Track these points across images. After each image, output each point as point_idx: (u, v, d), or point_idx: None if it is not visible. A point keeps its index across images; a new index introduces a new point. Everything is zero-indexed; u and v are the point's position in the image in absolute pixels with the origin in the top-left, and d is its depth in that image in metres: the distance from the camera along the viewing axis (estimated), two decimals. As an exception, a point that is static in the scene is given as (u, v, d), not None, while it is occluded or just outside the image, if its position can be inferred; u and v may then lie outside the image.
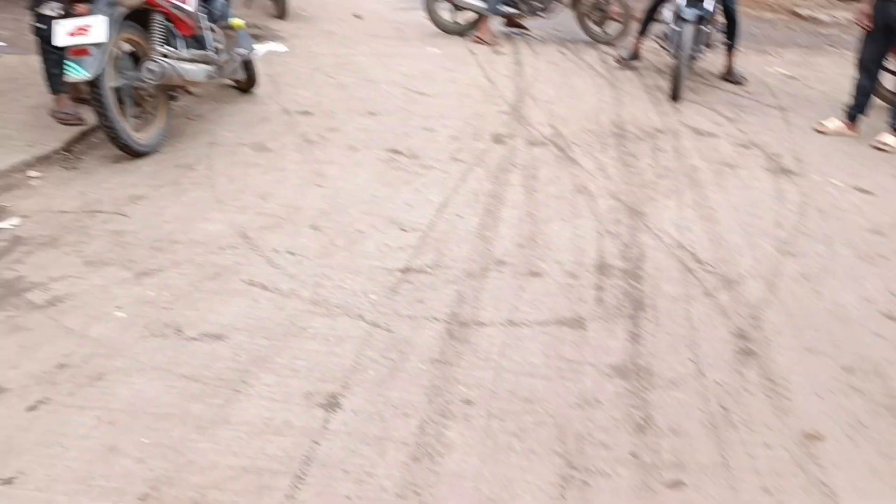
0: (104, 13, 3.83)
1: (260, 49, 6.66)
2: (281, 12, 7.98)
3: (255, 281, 3.14)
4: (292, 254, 3.38)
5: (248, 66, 5.33)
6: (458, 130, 5.11)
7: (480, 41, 7.47)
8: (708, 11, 6.04)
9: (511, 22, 8.06)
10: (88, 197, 3.77)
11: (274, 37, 7.27)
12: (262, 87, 5.61)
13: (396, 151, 4.67)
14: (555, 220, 3.89)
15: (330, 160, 4.47)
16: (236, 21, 5.02)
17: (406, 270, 3.31)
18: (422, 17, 8.76)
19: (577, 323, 3.01)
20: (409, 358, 2.71)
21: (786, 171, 4.70)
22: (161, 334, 2.74)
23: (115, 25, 3.89)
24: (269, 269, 3.24)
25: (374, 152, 4.64)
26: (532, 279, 3.32)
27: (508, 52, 7.34)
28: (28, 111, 4.62)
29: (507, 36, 7.89)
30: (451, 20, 7.89)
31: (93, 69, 3.78)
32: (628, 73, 6.95)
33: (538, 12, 7.63)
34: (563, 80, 6.47)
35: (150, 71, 4.10)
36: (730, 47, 6.66)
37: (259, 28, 7.54)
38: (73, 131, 4.41)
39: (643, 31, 6.90)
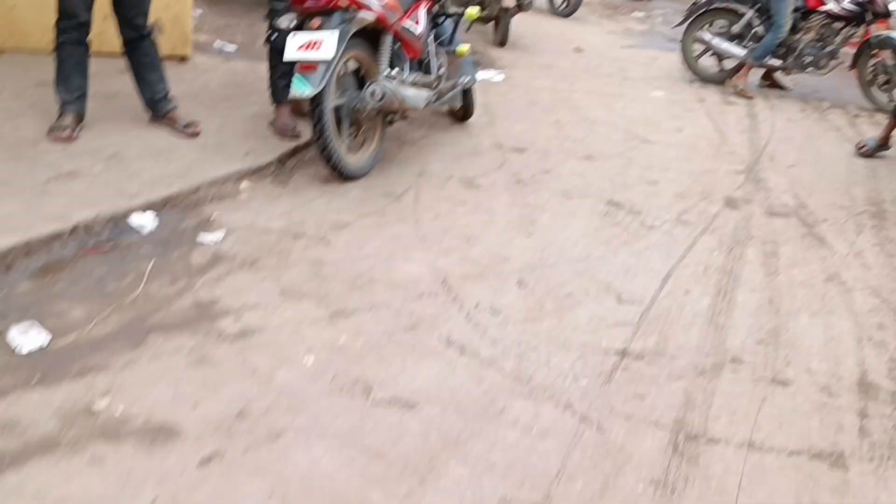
0: (336, 29, 3.68)
1: (477, 76, 6.43)
2: (501, 40, 7.74)
3: (453, 340, 2.79)
4: (495, 312, 3.00)
5: (466, 94, 5.07)
6: (684, 187, 4.55)
7: (737, 91, 6.84)
8: None
9: (769, 78, 7.28)
10: (293, 217, 3.61)
11: (492, 64, 7.03)
12: (476, 116, 5.34)
13: (615, 204, 4.20)
14: (802, 314, 3.25)
15: (541, 206, 4.07)
16: (463, 47, 4.77)
17: (623, 354, 2.82)
18: (647, 55, 8.23)
19: (837, 460, 2.39)
20: (624, 472, 2.23)
21: None
22: (349, 392, 2.43)
23: (345, 43, 3.73)
24: (469, 329, 2.87)
25: (589, 202, 4.20)
26: (777, 389, 2.72)
27: (742, 103, 6.63)
28: (248, 119, 4.60)
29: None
30: (708, 66, 7.31)
31: (317, 85, 3.62)
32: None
33: (810, 68, 6.84)
34: (805, 142, 5.70)
35: (373, 94, 3.90)
36: None
37: (477, 53, 7.34)
38: (287, 145, 4.31)
39: None
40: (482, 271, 3.33)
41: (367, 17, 3.77)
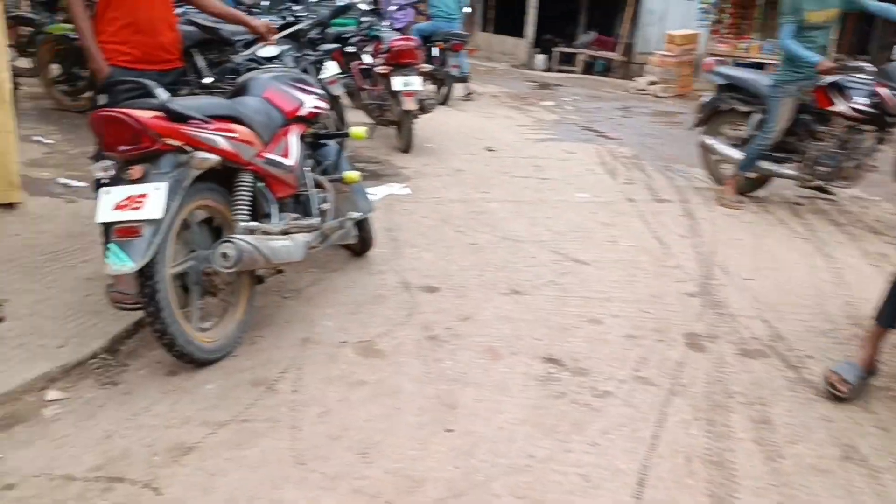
0: (166, 178, 2.68)
1: (379, 192, 5.52)
2: (405, 145, 6.89)
3: None
4: None
5: (362, 225, 4.11)
6: (633, 323, 3.65)
7: (721, 203, 5.77)
8: None
9: (809, 184, 5.78)
10: (114, 447, 2.50)
11: (396, 175, 6.14)
12: (379, 244, 4.38)
13: (554, 361, 3.25)
14: (831, 527, 2.32)
15: (462, 377, 3.08)
16: (351, 174, 3.83)
17: None
18: (563, 149, 7.53)
19: None
20: None
21: None
22: None
23: (181, 193, 2.73)
24: None
25: (522, 362, 3.23)
26: None
27: (675, 199, 5.90)
28: (80, 286, 3.52)
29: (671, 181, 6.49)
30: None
31: (140, 257, 2.59)
32: (832, 228, 5.36)
33: (834, 180, 5.52)
34: (754, 242, 4.94)
35: (224, 256, 2.88)
36: None
37: (379, 163, 6.46)
38: (126, 320, 3.24)
39: None
40: (385, 511, 2.28)
41: (207, 158, 2.79)
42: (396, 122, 6.93)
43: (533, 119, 9.38)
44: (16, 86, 5.22)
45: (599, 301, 3.90)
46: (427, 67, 6.96)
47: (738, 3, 13.33)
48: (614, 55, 15.96)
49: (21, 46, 7.26)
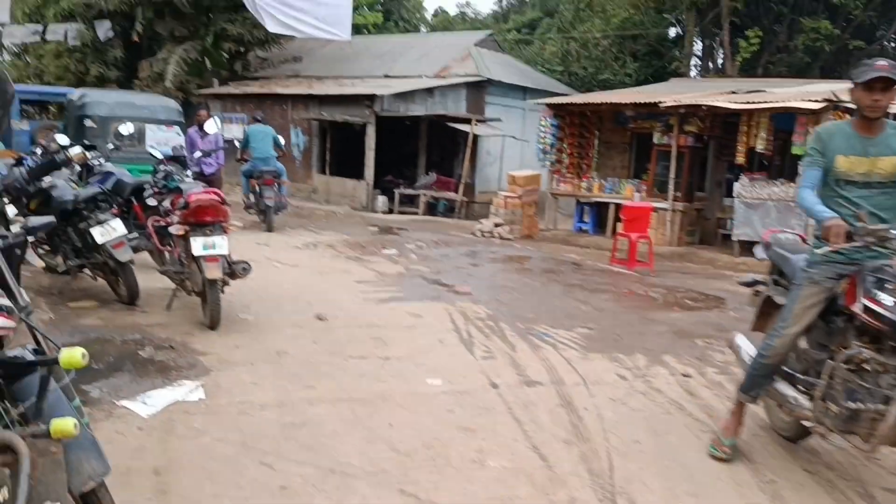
0: None
1: (158, 400, 3.96)
2: (211, 321, 5.33)
3: None
4: None
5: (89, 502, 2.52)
6: None
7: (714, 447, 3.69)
8: None
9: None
10: None
11: (190, 367, 4.58)
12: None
13: None
14: None
15: None
16: (62, 425, 2.28)
17: None
18: (409, 311, 6.28)
19: None
20: None
21: None
22: None
23: None
24: None
25: None
26: None
27: (546, 380, 4.73)
28: None
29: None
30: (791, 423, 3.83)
31: None
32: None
33: (847, 432, 3.18)
34: (656, 445, 3.78)
35: None
36: None
37: (172, 349, 4.88)
38: None
39: None
40: None
41: None
42: (199, 293, 5.44)
43: (374, 272, 8.15)
44: None
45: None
46: (237, 224, 5.58)
47: (573, 143, 13.15)
48: (455, 195, 15.40)
49: None
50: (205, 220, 5.24)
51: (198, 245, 5.16)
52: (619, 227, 11.63)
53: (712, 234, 12.34)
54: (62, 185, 6.06)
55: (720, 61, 20.26)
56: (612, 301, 7.51)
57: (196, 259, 5.22)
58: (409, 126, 16.67)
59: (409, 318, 6.13)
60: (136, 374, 4.40)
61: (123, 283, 5.81)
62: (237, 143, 11.48)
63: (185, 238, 5.32)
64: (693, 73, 21.09)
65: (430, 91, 16.60)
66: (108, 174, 7.30)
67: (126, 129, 7.58)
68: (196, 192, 5.38)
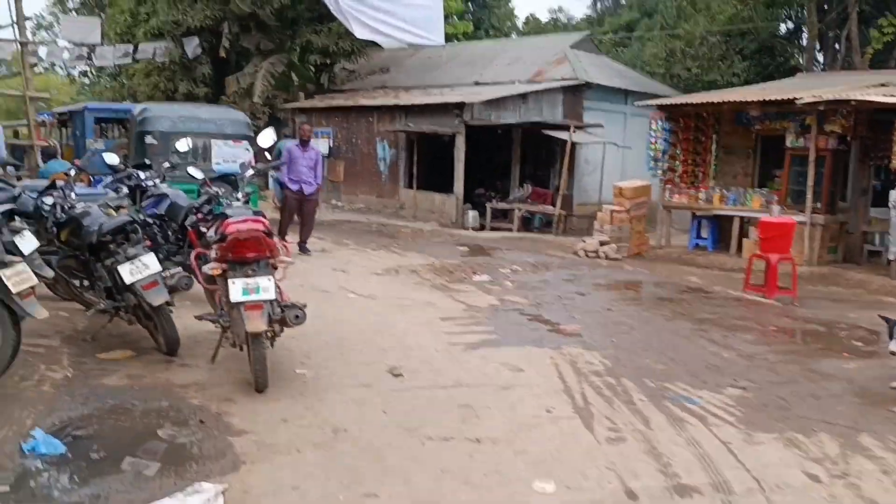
0: None
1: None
2: (257, 382, 4.13)
3: None
4: None
5: None
6: None
7: None
8: None
9: None
10: None
11: (214, 459, 3.38)
12: None
13: None
14: None
15: None
16: None
17: None
18: (505, 362, 4.93)
19: None
20: None
21: None
22: None
23: None
24: None
25: None
26: None
27: (702, 481, 3.27)
28: None
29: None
30: None
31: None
32: None
33: None
34: None
35: None
36: None
37: (203, 424, 3.71)
38: None
39: None
40: None
41: None
42: (241, 347, 4.28)
43: (462, 305, 6.83)
44: None
45: None
46: (287, 259, 4.38)
47: (688, 149, 11.47)
48: (553, 209, 13.93)
49: None
50: (245, 256, 4.07)
51: (236, 290, 3.99)
52: (746, 244, 9.96)
53: (857, 250, 10.42)
54: (95, 212, 5.05)
55: (843, 55, 18.03)
56: (759, 343, 5.93)
57: (235, 306, 4.05)
58: (501, 135, 15.34)
59: (505, 373, 4.79)
60: (140, 471, 3.24)
61: (159, 330, 4.73)
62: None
63: (224, 278, 4.17)
64: (814, 69, 18.87)
65: (523, 97, 15.23)
66: (162, 196, 6.34)
67: (183, 144, 6.62)
68: (234, 220, 4.21)
